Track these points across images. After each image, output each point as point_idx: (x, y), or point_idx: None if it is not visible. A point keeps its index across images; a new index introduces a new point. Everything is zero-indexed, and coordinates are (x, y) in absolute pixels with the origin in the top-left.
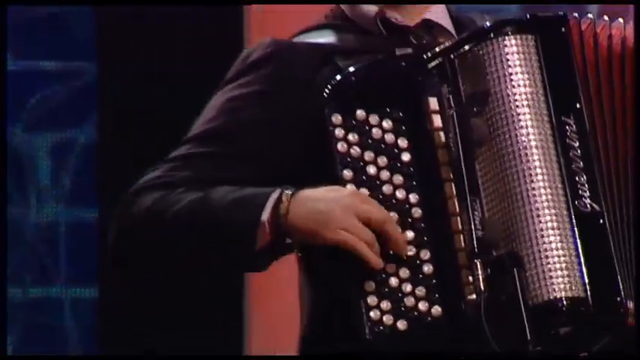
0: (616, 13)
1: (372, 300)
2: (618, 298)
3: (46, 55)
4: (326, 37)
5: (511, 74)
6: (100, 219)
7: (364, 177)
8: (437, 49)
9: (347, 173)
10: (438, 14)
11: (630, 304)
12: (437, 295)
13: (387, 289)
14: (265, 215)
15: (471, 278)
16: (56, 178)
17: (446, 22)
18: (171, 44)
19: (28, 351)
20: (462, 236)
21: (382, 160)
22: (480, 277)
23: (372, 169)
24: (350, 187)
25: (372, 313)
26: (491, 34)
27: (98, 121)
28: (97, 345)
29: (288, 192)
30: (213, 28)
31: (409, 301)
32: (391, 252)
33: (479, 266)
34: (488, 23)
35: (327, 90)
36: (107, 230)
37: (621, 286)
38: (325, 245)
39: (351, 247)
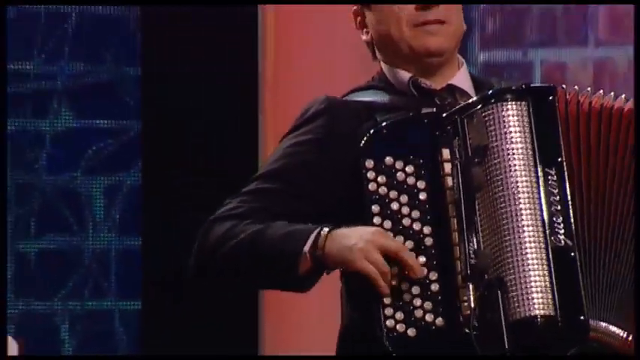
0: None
1: (388, 311)
2: (582, 317)
3: (101, 116)
4: (370, 96)
5: (506, 133)
6: (143, 246)
7: (389, 211)
8: (452, 110)
9: (375, 208)
10: (461, 79)
11: (593, 322)
12: (440, 309)
13: (401, 303)
14: (307, 248)
15: (465, 297)
16: (108, 213)
17: (467, 86)
18: (205, 107)
19: (86, 353)
20: (459, 262)
21: (404, 198)
22: (471, 297)
23: (395, 205)
24: (377, 219)
25: (388, 322)
26: (493, 100)
27: (142, 167)
28: (141, 347)
29: (326, 229)
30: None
31: (418, 313)
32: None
33: (471, 288)
34: (491, 91)
35: (363, 140)
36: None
37: (585, 308)
38: None
39: (368, 276)
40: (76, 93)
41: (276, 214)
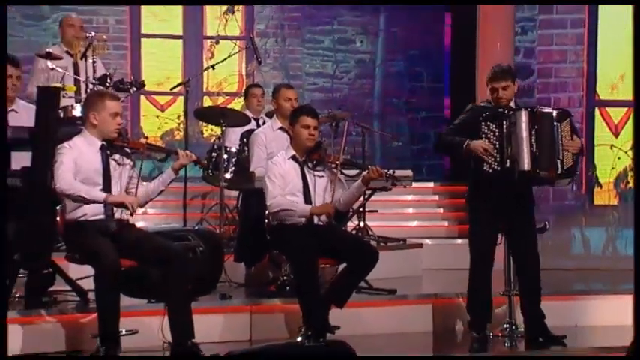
0: None
1: (485, 165)
2: (541, 171)
3: None
4: (483, 105)
5: (520, 116)
6: None
7: (487, 139)
8: (507, 111)
9: (484, 137)
10: (512, 102)
11: (544, 172)
12: (500, 164)
13: (489, 161)
14: (464, 145)
15: (506, 161)
16: None
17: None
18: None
19: None
20: (505, 152)
21: (492, 135)
22: (507, 162)
23: (489, 136)
24: (484, 140)
25: (485, 167)
26: (520, 109)
27: None
28: None
29: (469, 140)
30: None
31: (494, 165)
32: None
33: (508, 161)
34: (516, 106)
35: (481, 118)
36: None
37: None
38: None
39: (482, 152)
40: None
41: (454, 135)
